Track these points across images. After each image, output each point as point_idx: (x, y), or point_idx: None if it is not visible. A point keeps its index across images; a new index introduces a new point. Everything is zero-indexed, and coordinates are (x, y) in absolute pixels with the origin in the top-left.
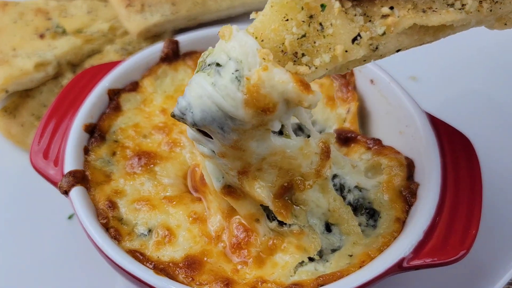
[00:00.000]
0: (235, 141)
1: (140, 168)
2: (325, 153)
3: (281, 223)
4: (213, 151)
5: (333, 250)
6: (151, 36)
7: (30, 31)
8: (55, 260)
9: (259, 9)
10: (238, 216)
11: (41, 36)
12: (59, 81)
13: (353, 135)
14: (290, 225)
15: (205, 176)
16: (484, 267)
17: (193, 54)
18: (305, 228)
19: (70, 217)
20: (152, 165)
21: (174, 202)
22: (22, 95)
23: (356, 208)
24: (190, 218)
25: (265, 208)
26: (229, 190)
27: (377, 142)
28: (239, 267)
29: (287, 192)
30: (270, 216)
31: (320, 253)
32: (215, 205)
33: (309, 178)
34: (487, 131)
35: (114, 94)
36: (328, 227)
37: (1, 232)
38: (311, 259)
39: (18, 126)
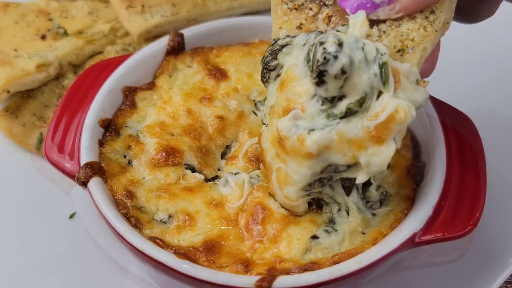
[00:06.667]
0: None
1: (162, 162)
2: None
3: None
4: None
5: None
6: (151, 37)
7: (31, 32)
8: (56, 260)
9: (258, 10)
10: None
11: (43, 37)
12: (60, 81)
13: None
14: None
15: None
16: (482, 265)
17: (198, 48)
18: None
19: (71, 217)
20: (173, 159)
21: (194, 190)
22: (24, 96)
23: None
24: (210, 204)
25: None
26: None
27: None
28: (256, 245)
29: None
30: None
31: (332, 223)
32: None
33: None
34: (487, 131)
35: (130, 92)
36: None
37: (2, 232)
38: (327, 232)
39: (19, 126)
